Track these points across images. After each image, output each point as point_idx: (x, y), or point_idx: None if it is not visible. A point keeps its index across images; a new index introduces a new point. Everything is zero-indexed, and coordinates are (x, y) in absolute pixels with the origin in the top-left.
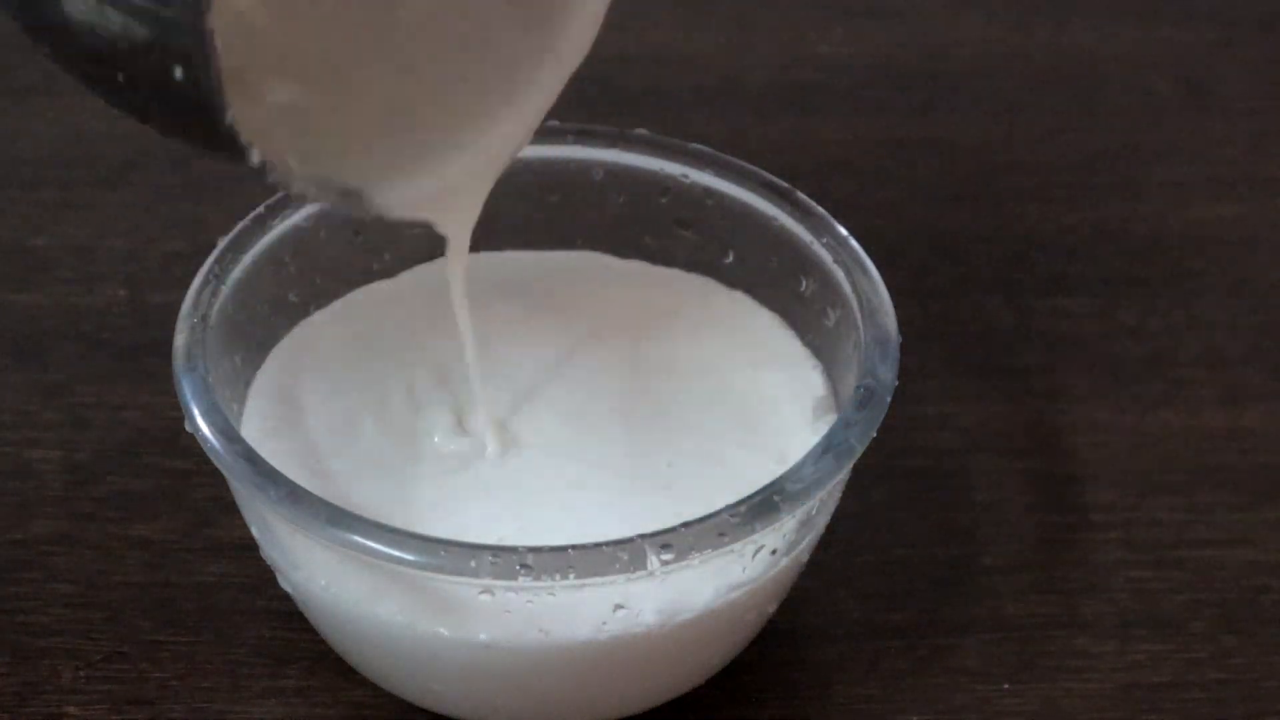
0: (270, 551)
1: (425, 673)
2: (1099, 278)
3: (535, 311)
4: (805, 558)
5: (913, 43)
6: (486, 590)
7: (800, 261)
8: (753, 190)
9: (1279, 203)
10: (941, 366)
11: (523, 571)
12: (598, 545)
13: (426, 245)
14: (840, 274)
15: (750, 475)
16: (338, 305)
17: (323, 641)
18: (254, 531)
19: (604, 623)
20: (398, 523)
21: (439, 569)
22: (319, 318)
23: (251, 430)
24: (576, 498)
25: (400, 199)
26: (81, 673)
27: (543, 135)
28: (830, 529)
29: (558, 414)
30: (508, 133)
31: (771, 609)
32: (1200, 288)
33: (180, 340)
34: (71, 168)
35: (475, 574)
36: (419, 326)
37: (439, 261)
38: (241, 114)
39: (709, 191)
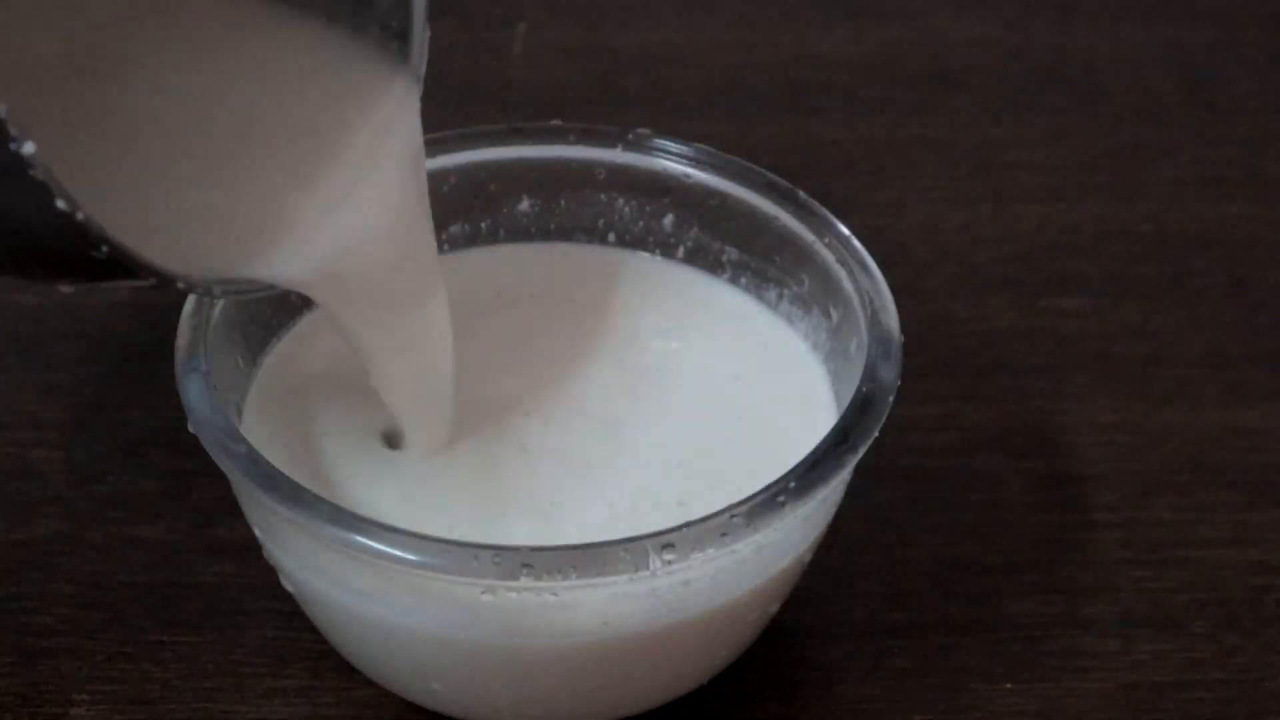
0: (272, 551)
1: (427, 672)
2: (1099, 278)
3: (536, 307)
4: (808, 557)
5: (914, 42)
6: (488, 590)
7: (802, 261)
8: (755, 190)
9: (1279, 202)
10: (943, 366)
11: (525, 571)
12: (600, 545)
13: None
14: (842, 273)
15: (754, 475)
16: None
17: (325, 641)
18: (256, 532)
19: (606, 622)
20: (400, 523)
21: (441, 569)
22: (319, 314)
23: (252, 429)
24: (580, 497)
25: (287, 276)
26: (84, 673)
27: (545, 135)
28: (832, 529)
29: (560, 415)
30: (354, 221)
31: (774, 609)
32: (1200, 288)
33: (183, 340)
34: None
35: (477, 574)
36: None
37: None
38: (100, 213)
39: (711, 191)
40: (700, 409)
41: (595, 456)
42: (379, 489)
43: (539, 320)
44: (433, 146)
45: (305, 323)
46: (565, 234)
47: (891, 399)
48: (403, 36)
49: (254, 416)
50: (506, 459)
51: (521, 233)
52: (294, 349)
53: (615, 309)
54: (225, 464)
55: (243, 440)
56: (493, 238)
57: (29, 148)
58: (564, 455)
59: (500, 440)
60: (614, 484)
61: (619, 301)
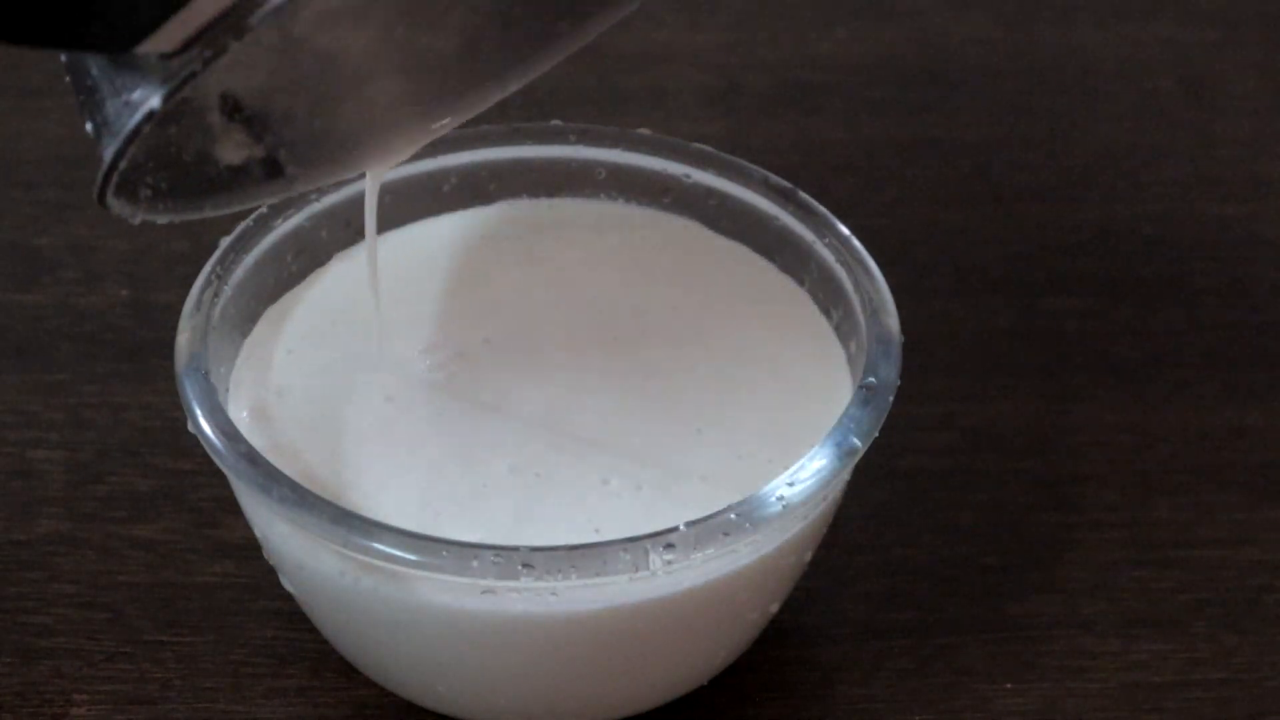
0: (272, 551)
1: (427, 672)
2: (1099, 278)
3: (529, 260)
4: (808, 557)
5: (914, 42)
6: (489, 590)
7: (803, 261)
8: (755, 190)
9: (1279, 202)
10: (943, 366)
11: (525, 571)
12: (600, 545)
13: None
14: (842, 273)
15: (781, 446)
16: (316, 278)
17: (325, 641)
18: (256, 531)
19: (606, 622)
20: (393, 502)
21: (441, 569)
22: (294, 297)
23: (240, 420)
24: (591, 491)
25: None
26: (84, 673)
27: (545, 135)
28: (832, 528)
29: (578, 398)
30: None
31: (774, 609)
32: (1200, 288)
33: (182, 340)
34: (74, 168)
35: (478, 574)
36: (407, 296)
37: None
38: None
39: (711, 191)
40: (723, 372)
41: (604, 421)
42: (381, 485)
43: (553, 284)
44: (433, 146)
45: (277, 305)
46: None
47: (891, 399)
48: None
49: (237, 402)
50: (500, 425)
51: None
52: (269, 333)
53: (638, 266)
54: (225, 464)
55: (242, 440)
56: None
57: None
58: (582, 446)
59: (493, 405)
60: (623, 453)
61: (638, 255)
